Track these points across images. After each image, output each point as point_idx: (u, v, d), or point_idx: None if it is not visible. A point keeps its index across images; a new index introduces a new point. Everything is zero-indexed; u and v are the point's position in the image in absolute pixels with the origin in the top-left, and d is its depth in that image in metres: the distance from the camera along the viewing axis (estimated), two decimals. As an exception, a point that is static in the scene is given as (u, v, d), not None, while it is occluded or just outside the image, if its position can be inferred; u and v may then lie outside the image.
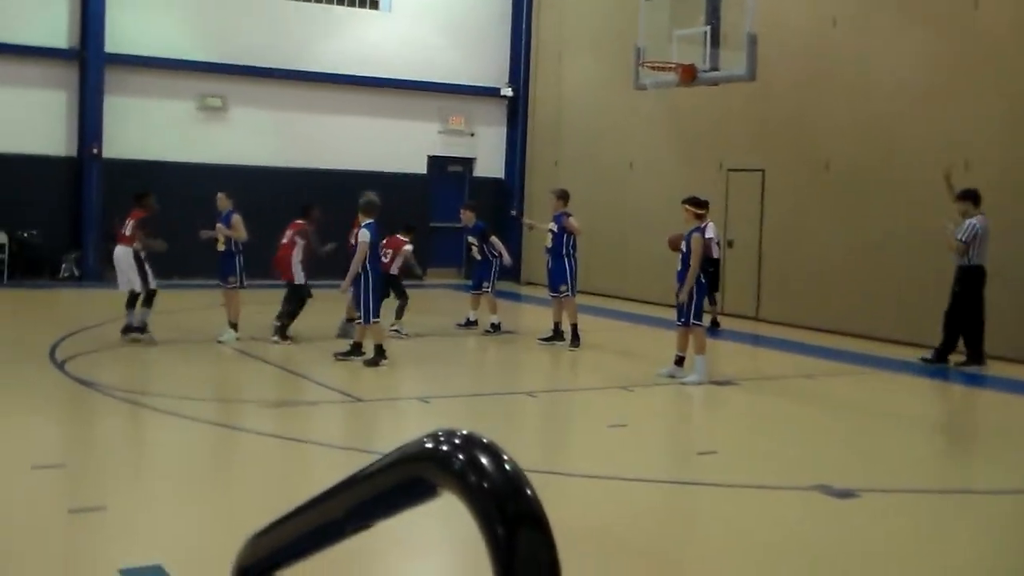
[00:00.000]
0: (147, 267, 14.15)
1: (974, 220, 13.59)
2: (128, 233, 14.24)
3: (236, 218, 14.68)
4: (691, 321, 12.46)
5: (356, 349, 12.97)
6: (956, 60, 15.65)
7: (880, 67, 16.71)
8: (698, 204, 12.72)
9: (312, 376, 12.08)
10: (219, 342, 14.11)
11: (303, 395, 11.26)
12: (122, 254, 14.13)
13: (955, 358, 13.99)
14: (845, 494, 7.82)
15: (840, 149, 17.35)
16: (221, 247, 14.70)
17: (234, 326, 14.33)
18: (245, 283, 14.65)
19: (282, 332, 14.24)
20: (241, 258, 14.65)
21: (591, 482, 8.17)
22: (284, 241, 15.04)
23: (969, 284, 13.71)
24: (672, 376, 12.53)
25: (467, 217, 16.62)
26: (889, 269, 16.42)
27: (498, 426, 10.38)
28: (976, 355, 13.85)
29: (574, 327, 14.74)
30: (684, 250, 12.49)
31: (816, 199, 17.77)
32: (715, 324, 16.91)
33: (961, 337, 14.00)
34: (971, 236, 13.53)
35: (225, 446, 8.99)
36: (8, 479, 7.70)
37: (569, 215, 15.12)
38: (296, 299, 14.59)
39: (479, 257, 16.46)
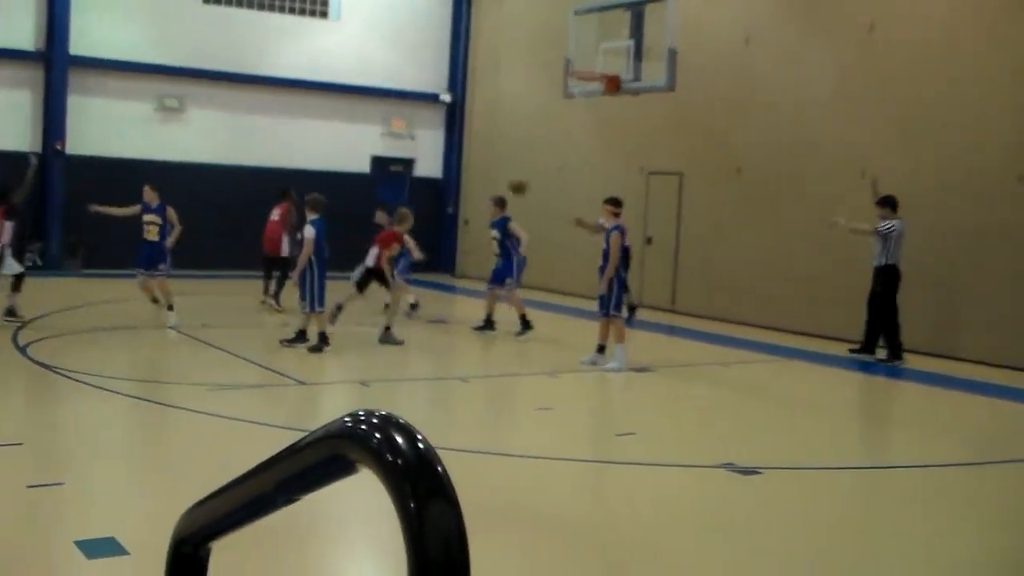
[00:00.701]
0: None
1: (893, 223, 13.72)
2: None
3: (171, 210, 14.51)
4: (611, 312, 12.53)
5: (301, 336, 12.87)
6: (855, 77, 15.91)
7: (788, 82, 16.93)
8: (616, 203, 12.80)
9: (259, 361, 11.99)
10: (170, 328, 13.95)
11: (250, 378, 11.17)
12: None
13: (879, 353, 14.07)
14: (749, 471, 7.93)
15: (752, 155, 17.56)
16: (154, 237, 14.44)
17: (171, 307, 14.15)
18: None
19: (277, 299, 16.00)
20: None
21: (518, 461, 8.20)
22: (275, 219, 15.61)
23: (886, 283, 13.82)
24: (594, 363, 12.60)
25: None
26: (797, 266, 16.67)
27: (430, 409, 10.40)
28: (894, 350, 13.93)
29: (523, 316, 14.69)
30: (605, 246, 12.57)
31: (730, 201, 17.97)
32: (632, 311, 16.77)
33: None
34: (887, 232, 13.66)
35: (175, 426, 8.89)
36: (-31, 456, 7.56)
37: (509, 219, 15.03)
38: (285, 270, 15.69)
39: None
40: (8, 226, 13.50)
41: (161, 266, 14.46)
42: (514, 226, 15.13)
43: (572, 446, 9.09)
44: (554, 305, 19.13)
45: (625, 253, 13.07)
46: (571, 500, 7.42)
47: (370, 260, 14.64)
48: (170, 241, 14.72)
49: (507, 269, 15.09)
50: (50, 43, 20.64)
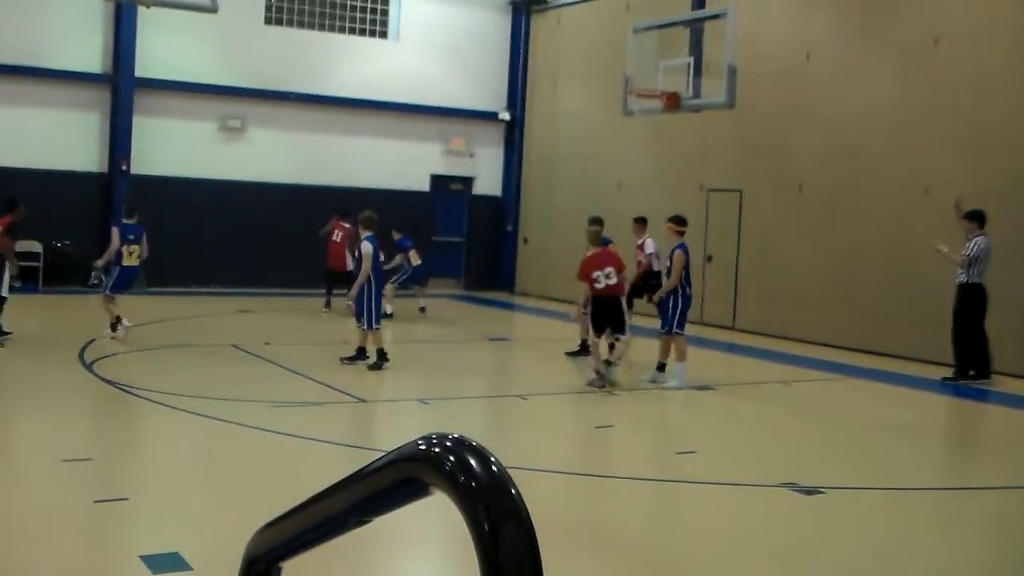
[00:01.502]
0: (4, 273, 13.32)
1: (979, 238, 13.34)
2: None
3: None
4: (673, 330, 12.47)
5: (361, 353, 12.89)
6: (919, 91, 15.72)
7: (850, 97, 16.78)
8: (680, 222, 12.75)
9: (319, 378, 12.04)
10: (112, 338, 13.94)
11: (310, 396, 11.23)
12: None
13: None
14: (812, 491, 7.84)
15: (813, 172, 17.41)
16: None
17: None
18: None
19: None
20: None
21: (578, 479, 8.18)
22: (336, 240, 16.04)
23: (969, 301, 13.44)
24: (654, 381, 12.54)
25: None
26: (859, 283, 16.49)
27: (491, 427, 10.40)
28: (981, 370, 13.52)
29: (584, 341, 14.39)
30: (668, 264, 12.55)
31: (790, 218, 17.83)
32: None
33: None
34: (976, 253, 13.29)
35: (237, 443, 8.97)
36: (40, 471, 7.71)
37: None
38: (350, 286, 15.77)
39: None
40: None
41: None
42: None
43: (633, 464, 9.05)
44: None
45: (648, 271, 13.56)
46: (632, 519, 7.38)
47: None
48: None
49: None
50: (116, 65, 21.04)
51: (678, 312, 12.44)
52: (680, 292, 12.45)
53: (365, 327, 12.71)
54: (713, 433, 10.67)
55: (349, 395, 11.19)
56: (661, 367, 12.64)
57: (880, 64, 16.39)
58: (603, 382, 12.06)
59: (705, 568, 6.24)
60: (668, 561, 6.42)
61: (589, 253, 12.29)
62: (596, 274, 11.99)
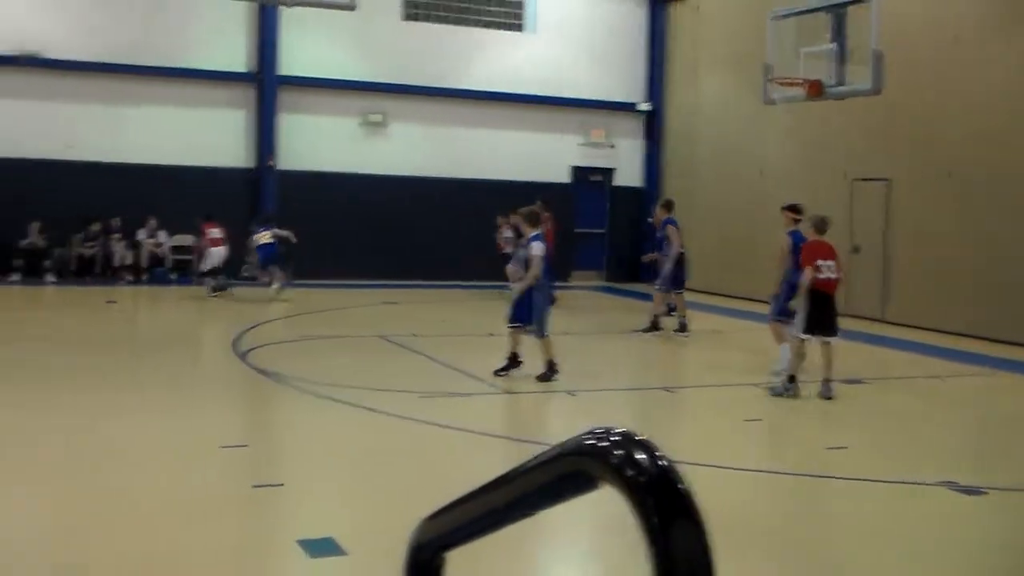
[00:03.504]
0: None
1: None
2: None
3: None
4: (777, 317, 12.11)
5: (513, 361, 11.75)
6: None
7: (1000, 80, 16.17)
8: (795, 210, 12.37)
9: (465, 369, 12.15)
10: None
11: (458, 387, 11.35)
12: None
13: None
14: (972, 491, 7.59)
15: (963, 158, 16.82)
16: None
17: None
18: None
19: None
20: None
21: (730, 473, 8.08)
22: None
23: None
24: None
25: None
26: (1014, 273, 15.86)
27: (638, 419, 10.37)
28: None
29: (655, 318, 15.22)
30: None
31: (940, 206, 17.26)
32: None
33: None
34: None
35: (387, 432, 9.14)
36: (200, 457, 8.02)
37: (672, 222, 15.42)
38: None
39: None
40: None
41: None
42: (671, 231, 15.34)
43: (783, 459, 8.93)
44: (753, 313, 18.79)
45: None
46: (783, 515, 7.28)
47: None
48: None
49: (659, 271, 15.54)
50: (261, 64, 21.69)
51: (783, 299, 12.00)
52: (787, 280, 11.93)
53: (540, 335, 11.50)
54: (864, 428, 10.42)
55: (496, 387, 11.29)
56: None
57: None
58: (792, 390, 11.04)
59: (861, 569, 6.12)
60: (822, 560, 6.31)
61: (810, 241, 11.37)
62: (819, 263, 11.01)
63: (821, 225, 11.36)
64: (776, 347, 12.34)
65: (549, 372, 11.47)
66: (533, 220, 11.77)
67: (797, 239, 11.91)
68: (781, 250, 12.05)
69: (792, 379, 11.06)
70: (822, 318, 11.08)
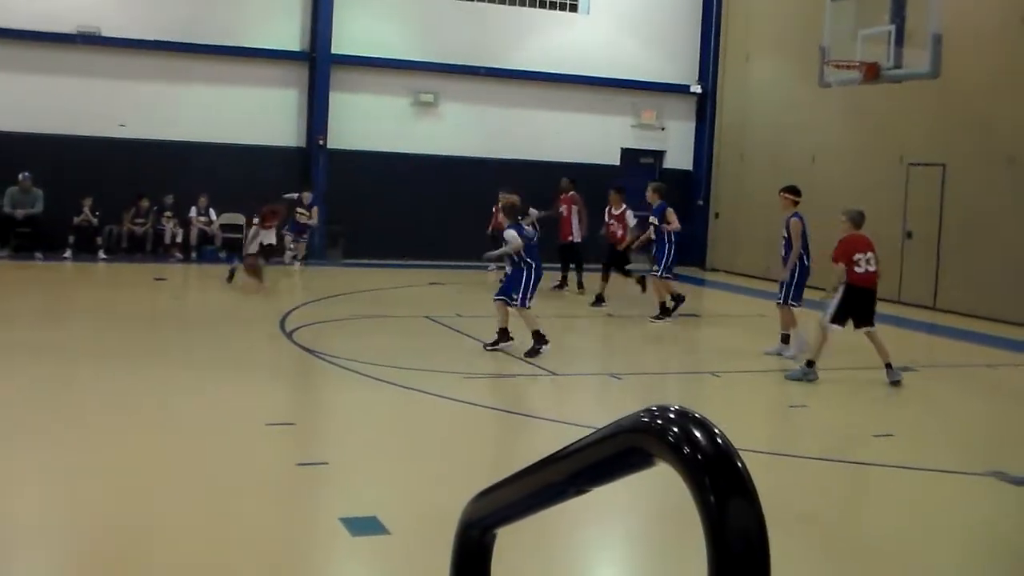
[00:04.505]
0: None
1: None
2: None
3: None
4: (789, 301, 12.42)
5: (503, 335, 12.03)
6: None
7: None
8: (794, 192, 12.66)
9: (510, 350, 12.08)
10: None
11: (502, 368, 11.39)
12: None
13: None
14: (1021, 482, 7.49)
15: (1024, 144, 16.54)
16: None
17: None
18: None
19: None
20: None
21: (776, 459, 8.06)
22: (564, 214, 18.21)
23: None
24: (780, 354, 12.47)
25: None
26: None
27: (685, 402, 10.31)
28: None
29: (663, 304, 15.15)
30: (785, 234, 12.43)
31: (999, 193, 16.98)
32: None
33: None
34: None
35: (432, 412, 9.18)
36: (246, 435, 8.10)
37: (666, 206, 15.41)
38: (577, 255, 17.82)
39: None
40: None
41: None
42: (670, 213, 15.29)
43: (828, 446, 8.85)
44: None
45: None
46: (828, 502, 7.24)
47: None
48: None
49: (659, 255, 15.29)
50: (314, 44, 21.77)
51: (794, 283, 12.37)
52: (799, 263, 12.34)
53: (519, 305, 11.82)
54: (912, 416, 10.33)
55: (542, 368, 11.29)
56: (785, 339, 12.59)
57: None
58: (810, 375, 11.12)
59: (906, 556, 6.07)
60: (865, 547, 6.27)
61: (847, 235, 11.32)
62: (857, 256, 11.08)
63: (859, 219, 11.38)
64: (776, 331, 12.76)
65: (538, 344, 11.67)
66: (509, 212, 12.09)
67: (801, 218, 12.48)
68: (795, 232, 12.33)
69: (811, 364, 11.13)
70: (859, 311, 11.09)
